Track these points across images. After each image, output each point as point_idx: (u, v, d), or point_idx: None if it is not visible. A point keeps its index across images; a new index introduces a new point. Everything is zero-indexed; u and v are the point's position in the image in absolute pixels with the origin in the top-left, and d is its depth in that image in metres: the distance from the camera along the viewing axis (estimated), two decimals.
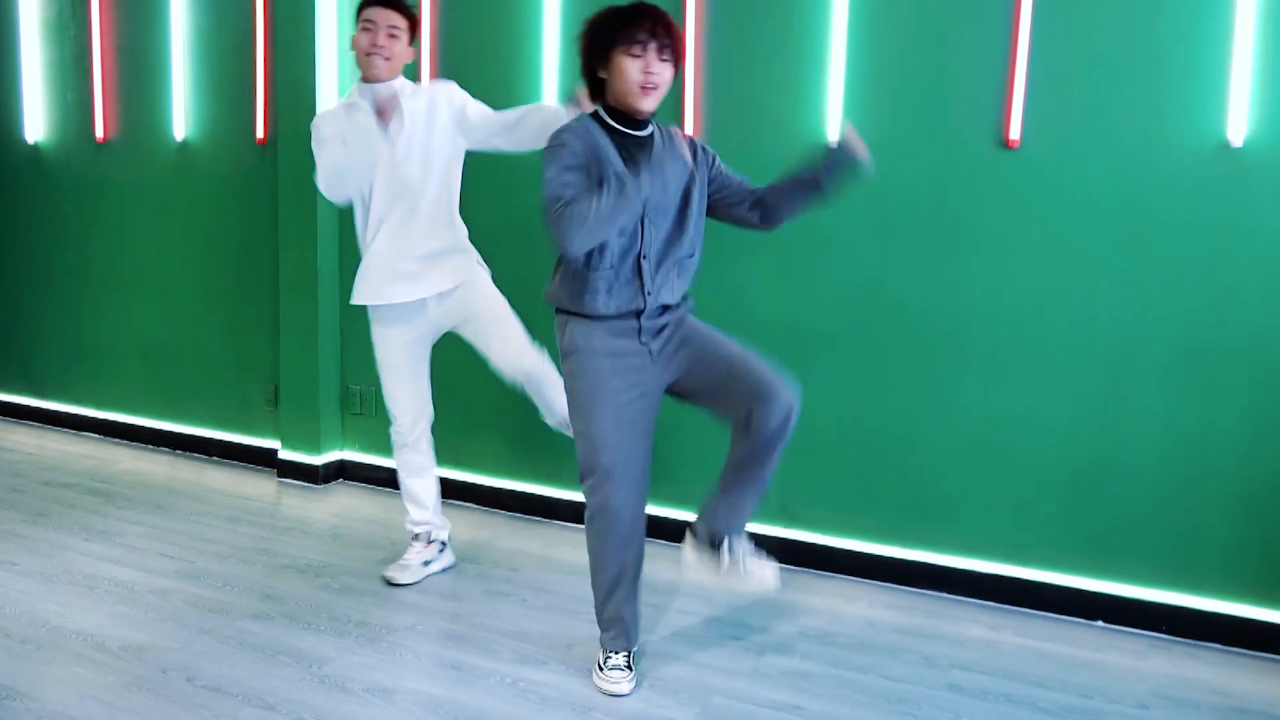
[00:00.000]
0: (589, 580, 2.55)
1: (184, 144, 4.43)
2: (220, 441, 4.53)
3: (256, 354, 4.39)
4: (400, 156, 2.97)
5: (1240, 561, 2.84)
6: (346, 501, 4.00)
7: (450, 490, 3.88)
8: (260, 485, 4.19)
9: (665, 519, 3.43)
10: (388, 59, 2.91)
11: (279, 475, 4.27)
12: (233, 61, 4.27)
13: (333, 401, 4.20)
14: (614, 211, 2.20)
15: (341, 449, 4.27)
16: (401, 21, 2.93)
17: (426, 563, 3.22)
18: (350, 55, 3.96)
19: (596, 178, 2.28)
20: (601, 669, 2.51)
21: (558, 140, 2.32)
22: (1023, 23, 2.92)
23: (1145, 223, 2.85)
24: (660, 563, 3.15)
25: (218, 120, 4.35)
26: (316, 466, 4.17)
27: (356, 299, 3.08)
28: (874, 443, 3.25)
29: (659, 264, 2.40)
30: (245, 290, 4.38)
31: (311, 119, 3.93)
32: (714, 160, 2.50)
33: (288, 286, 4.15)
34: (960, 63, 3.02)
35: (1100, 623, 2.99)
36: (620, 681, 2.47)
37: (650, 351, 2.43)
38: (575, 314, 2.42)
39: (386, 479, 4.14)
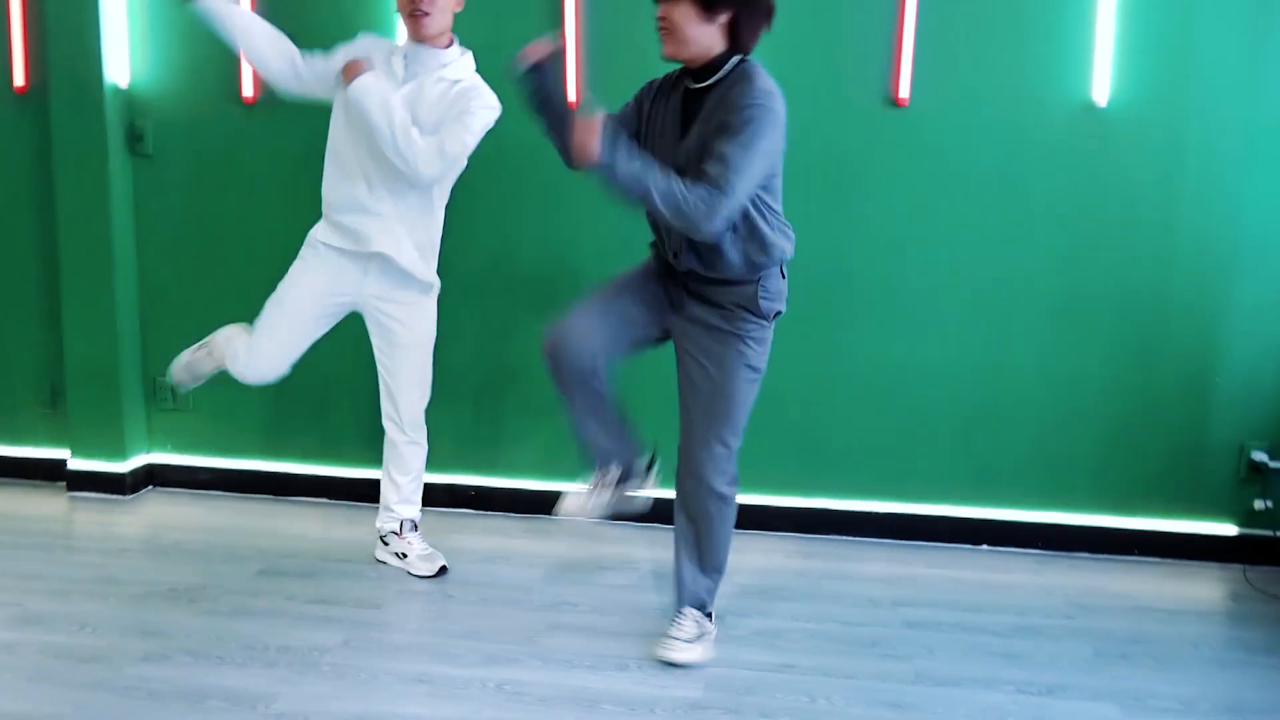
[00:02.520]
0: (508, 565, 2.81)
1: None
2: None
3: (22, 348, 3.66)
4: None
5: (1103, 480, 3.20)
6: (171, 511, 3.46)
7: (314, 488, 3.51)
8: (47, 503, 3.52)
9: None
10: (428, 13, 2.56)
11: (70, 489, 3.61)
12: None
13: (136, 399, 3.61)
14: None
15: (148, 452, 3.68)
16: None
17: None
18: None
19: (632, 128, 2.35)
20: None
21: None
22: None
23: (1020, 178, 3.09)
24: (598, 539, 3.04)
25: None
26: (123, 475, 3.57)
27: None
28: (770, 397, 3.25)
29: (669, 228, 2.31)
30: (2, 271, 3.63)
31: (95, 57, 3.33)
32: (725, 117, 2.20)
33: (72, 266, 3.48)
34: (851, 24, 3.09)
35: (985, 546, 3.26)
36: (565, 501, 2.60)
37: (682, 306, 2.40)
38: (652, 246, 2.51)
39: (210, 481, 3.64)
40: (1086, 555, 3.21)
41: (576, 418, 2.49)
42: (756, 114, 2.12)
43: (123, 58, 3.42)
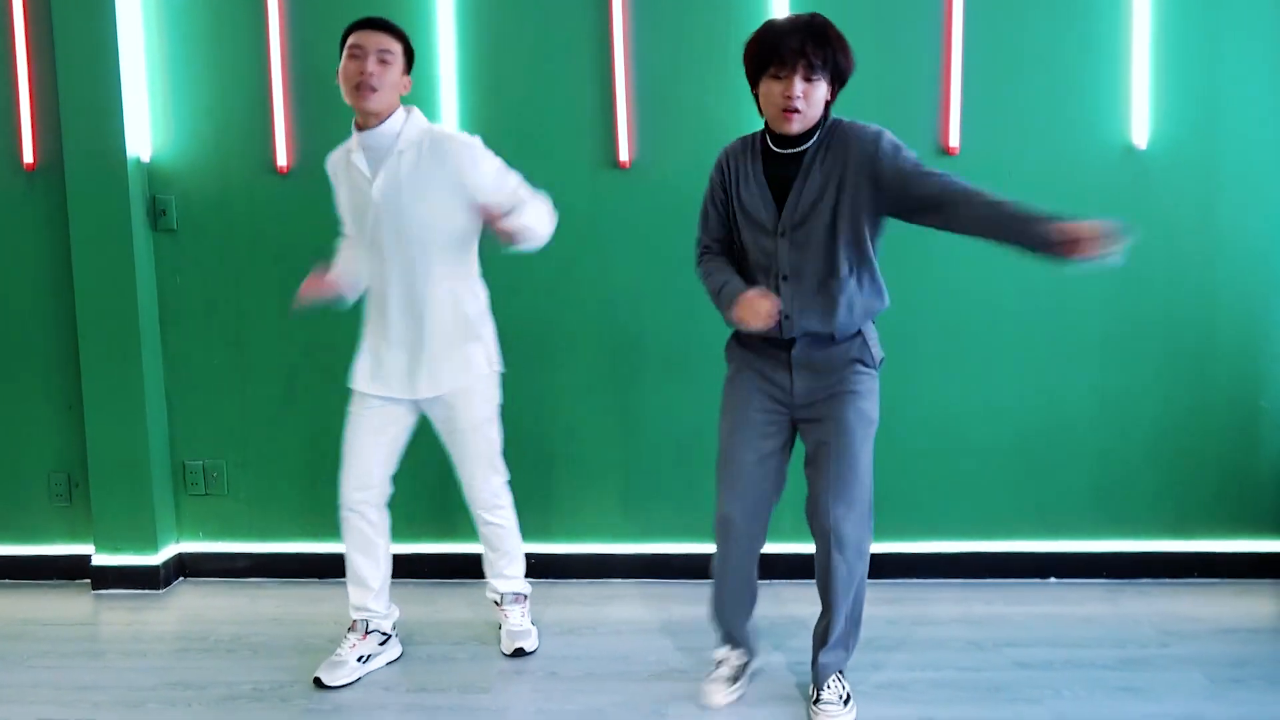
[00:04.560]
0: (594, 635, 2.81)
1: None
2: None
3: (31, 441, 3.44)
4: (382, 214, 2.55)
5: (1160, 506, 3.29)
6: (211, 603, 3.27)
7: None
8: (73, 604, 3.29)
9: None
10: (376, 89, 2.47)
11: (95, 586, 3.38)
12: None
13: (165, 485, 3.41)
14: (718, 304, 2.34)
15: (178, 541, 3.47)
16: (394, 45, 2.51)
17: (362, 659, 2.73)
18: (175, 56, 3.27)
19: (725, 209, 2.38)
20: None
21: (713, 172, 2.41)
22: (954, 42, 3.13)
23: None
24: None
25: None
26: (155, 567, 3.36)
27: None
28: None
29: (798, 281, 2.29)
30: (8, 356, 3.40)
31: (115, 130, 3.19)
32: (881, 163, 2.24)
33: (93, 348, 3.29)
34: (900, 79, 3.17)
35: (1053, 579, 3.32)
36: (714, 693, 2.52)
37: (793, 391, 2.37)
38: (735, 335, 2.45)
39: (247, 568, 3.45)
40: (1150, 581, 3.29)
41: (722, 596, 2.51)
42: (895, 139, 2.28)
43: (144, 130, 3.28)
